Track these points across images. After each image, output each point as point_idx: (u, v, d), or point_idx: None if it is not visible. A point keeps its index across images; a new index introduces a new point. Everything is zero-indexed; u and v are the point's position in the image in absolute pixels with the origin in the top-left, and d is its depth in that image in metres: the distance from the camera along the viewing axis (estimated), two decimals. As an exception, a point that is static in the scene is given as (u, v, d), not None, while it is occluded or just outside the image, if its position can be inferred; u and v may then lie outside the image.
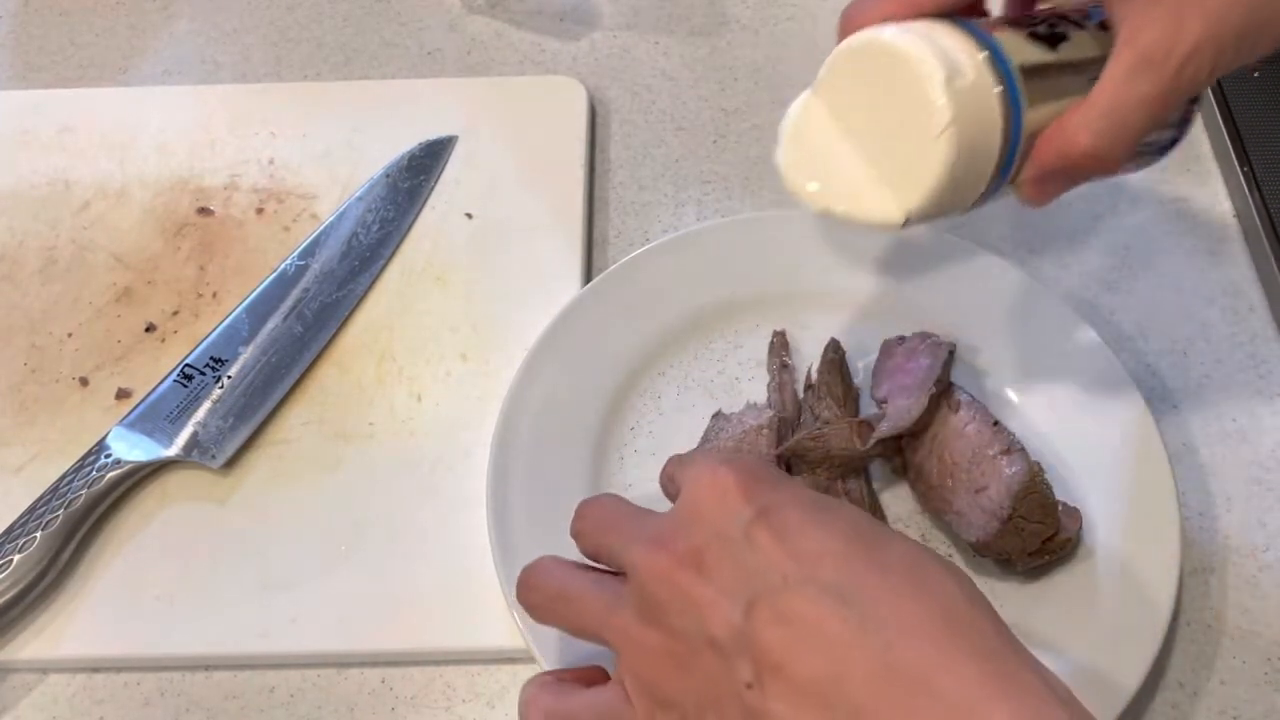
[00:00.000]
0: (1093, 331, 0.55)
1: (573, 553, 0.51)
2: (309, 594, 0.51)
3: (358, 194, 0.64)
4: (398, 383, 0.58)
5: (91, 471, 0.53)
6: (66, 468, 0.54)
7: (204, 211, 0.65)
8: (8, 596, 0.50)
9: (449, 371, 0.58)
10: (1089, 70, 0.42)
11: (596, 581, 0.41)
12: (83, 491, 0.52)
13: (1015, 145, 0.42)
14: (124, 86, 0.72)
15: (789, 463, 0.53)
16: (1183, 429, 0.56)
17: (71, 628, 0.51)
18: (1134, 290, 0.60)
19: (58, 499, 0.52)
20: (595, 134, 0.68)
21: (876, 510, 0.52)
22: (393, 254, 0.63)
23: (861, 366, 0.57)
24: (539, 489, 0.52)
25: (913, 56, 0.39)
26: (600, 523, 0.42)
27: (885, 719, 0.33)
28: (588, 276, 0.61)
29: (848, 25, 0.42)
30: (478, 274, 0.62)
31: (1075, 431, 0.53)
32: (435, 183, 0.65)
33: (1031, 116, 0.41)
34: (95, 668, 0.51)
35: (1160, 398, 0.57)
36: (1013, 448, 0.49)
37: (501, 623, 0.50)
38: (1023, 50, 0.41)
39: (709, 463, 0.40)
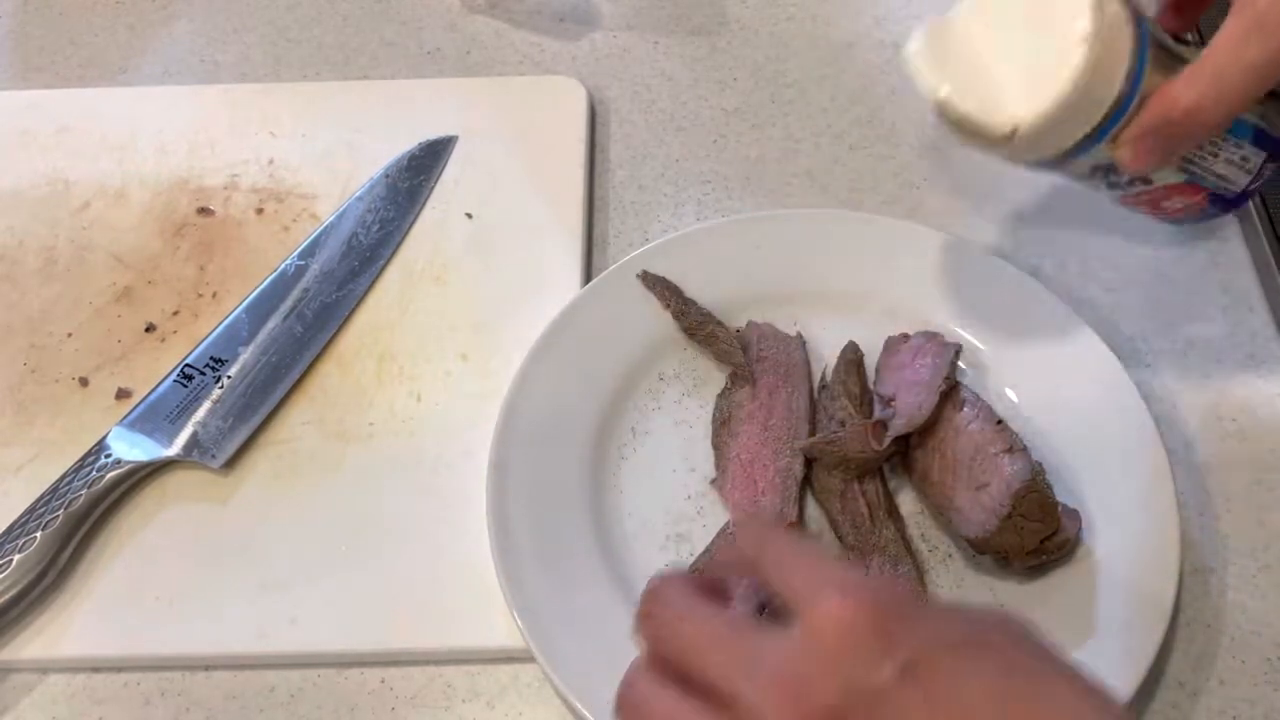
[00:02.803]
0: (1093, 331, 0.55)
1: (573, 554, 0.51)
2: (309, 594, 0.51)
3: (358, 194, 0.64)
4: (398, 383, 0.58)
5: (91, 471, 0.53)
6: (66, 468, 0.54)
7: (204, 211, 0.65)
8: (8, 596, 0.50)
9: (449, 371, 0.58)
10: None
11: (702, 714, 0.36)
12: (83, 491, 0.52)
13: (1131, 96, 0.45)
14: (124, 86, 0.72)
15: (808, 461, 0.53)
16: (1183, 429, 0.56)
17: (71, 628, 0.51)
18: (1134, 290, 0.60)
19: (58, 499, 0.52)
20: (595, 134, 0.68)
21: (893, 511, 0.52)
22: (393, 254, 0.63)
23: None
24: (539, 489, 0.52)
25: None
26: (694, 644, 0.37)
27: None
28: (588, 276, 0.61)
29: None
30: (478, 274, 0.62)
31: (1075, 431, 0.53)
32: (435, 183, 0.65)
33: (1148, 82, 0.45)
34: (95, 668, 0.51)
35: (1160, 398, 0.57)
36: (1015, 446, 0.49)
37: (501, 623, 0.50)
38: (1155, 28, 0.46)
39: (839, 591, 0.34)
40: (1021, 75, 0.44)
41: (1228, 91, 0.43)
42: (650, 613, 0.38)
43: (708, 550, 0.52)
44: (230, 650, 0.51)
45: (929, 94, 0.46)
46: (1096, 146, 0.46)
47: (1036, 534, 0.48)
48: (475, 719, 0.49)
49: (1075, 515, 0.50)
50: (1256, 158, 0.51)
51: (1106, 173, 0.50)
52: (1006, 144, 0.45)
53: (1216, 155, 0.50)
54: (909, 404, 0.52)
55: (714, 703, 0.36)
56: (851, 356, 0.56)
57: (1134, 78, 0.45)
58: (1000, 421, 0.51)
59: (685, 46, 0.72)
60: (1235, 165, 0.50)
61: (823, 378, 0.56)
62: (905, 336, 0.56)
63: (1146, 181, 0.50)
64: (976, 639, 0.35)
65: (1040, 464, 0.49)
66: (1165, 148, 0.46)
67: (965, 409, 0.51)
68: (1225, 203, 0.53)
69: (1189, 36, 0.50)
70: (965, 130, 0.46)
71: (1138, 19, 0.45)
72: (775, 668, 0.35)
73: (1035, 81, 0.44)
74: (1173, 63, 0.46)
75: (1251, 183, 0.52)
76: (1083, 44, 0.43)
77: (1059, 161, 0.48)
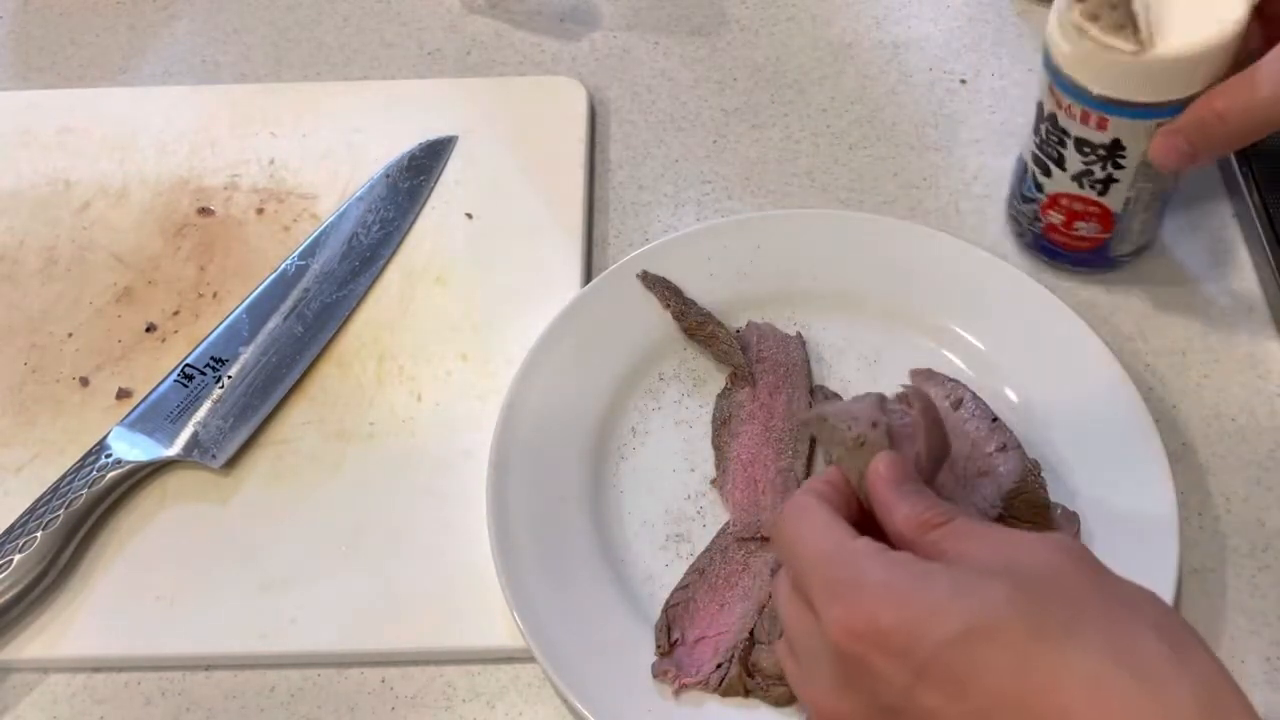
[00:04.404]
0: (1092, 331, 0.55)
1: (573, 554, 0.51)
2: (309, 594, 0.51)
3: (358, 194, 0.64)
4: (398, 383, 0.58)
5: (92, 471, 0.53)
6: (67, 468, 0.54)
7: (204, 211, 0.65)
8: (8, 596, 0.50)
9: (449, 371, 0.58)
10: None
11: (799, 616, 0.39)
12: (83, 491, 0.52)
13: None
14: (124, 86, 0.72)
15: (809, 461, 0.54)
16: (1183, 429, 0.56)
17: (72, 628, 0.51)
18: (1134, 290, 0.60)
19: (58, 499, 0.52)
20: (595, 134, 0.68)
21: None
22: (393, 254, 0.63)
23: (856, 359, 0.57)
24: (539, 489, 0.52)
25: None
26: (798, 552, 0.40)
27: None
28: (588, 276, 0.61)
29: None
30: (478, 274, 0.62)
31: (1074, 431, 0.53)
32: (435, 183, 0.65)
33: None
34: (95, 667, 0.51)
35: (1160, 398, 0.57)
36: (1008, 445, 0.49)
37: (501, 623, 0.50)
38: None
39: (844, 606, 0.37)
40: (1176, 11, 0.48)
41: (1260, 103, 0.47)
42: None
43: (708, 550, 0.52)
44: (230, 650, 0.51)
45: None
46: (1154, 121, 0.50)
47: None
48: (475, 719, 0.49)
49: (1074, 518, 0.50)
50: (1153, 225, 0.58)
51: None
52: (1131, 60, 0.48)
53: (1147, 209, 0.56)
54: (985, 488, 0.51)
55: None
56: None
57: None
58: (995, 419, 0.51)
59: (685, 46, 0.73)
60: (1144, 224, 0.57)
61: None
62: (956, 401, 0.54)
63: (1105, 188, 0.54)
64: (985, 620, 0.35)
65: (1036, 462, 0.49)
66: (1193, 147, 0.49)
67: (962, 408, 0.52)
68: (1105, 257, 0.59)
69: None
70: (1100, 26, 0.49)
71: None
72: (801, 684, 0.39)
73: (1184, 24, 0.48)
74: None
75: (1134, 249, 0.59)
76: (1238, 24, 0.48)
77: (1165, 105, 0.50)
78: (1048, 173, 0.56)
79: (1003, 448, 0.49)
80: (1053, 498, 0.50)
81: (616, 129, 0.69)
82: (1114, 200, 0.55)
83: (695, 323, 0.57)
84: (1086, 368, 0.55)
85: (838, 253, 0.59)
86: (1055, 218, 0.57)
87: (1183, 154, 0.50)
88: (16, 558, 0.50)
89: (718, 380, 0.57)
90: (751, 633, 0.48)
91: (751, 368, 0.56)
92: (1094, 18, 0.49)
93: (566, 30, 0.74)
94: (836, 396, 0.55)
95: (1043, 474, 0.51)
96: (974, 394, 0.53)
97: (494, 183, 0.65)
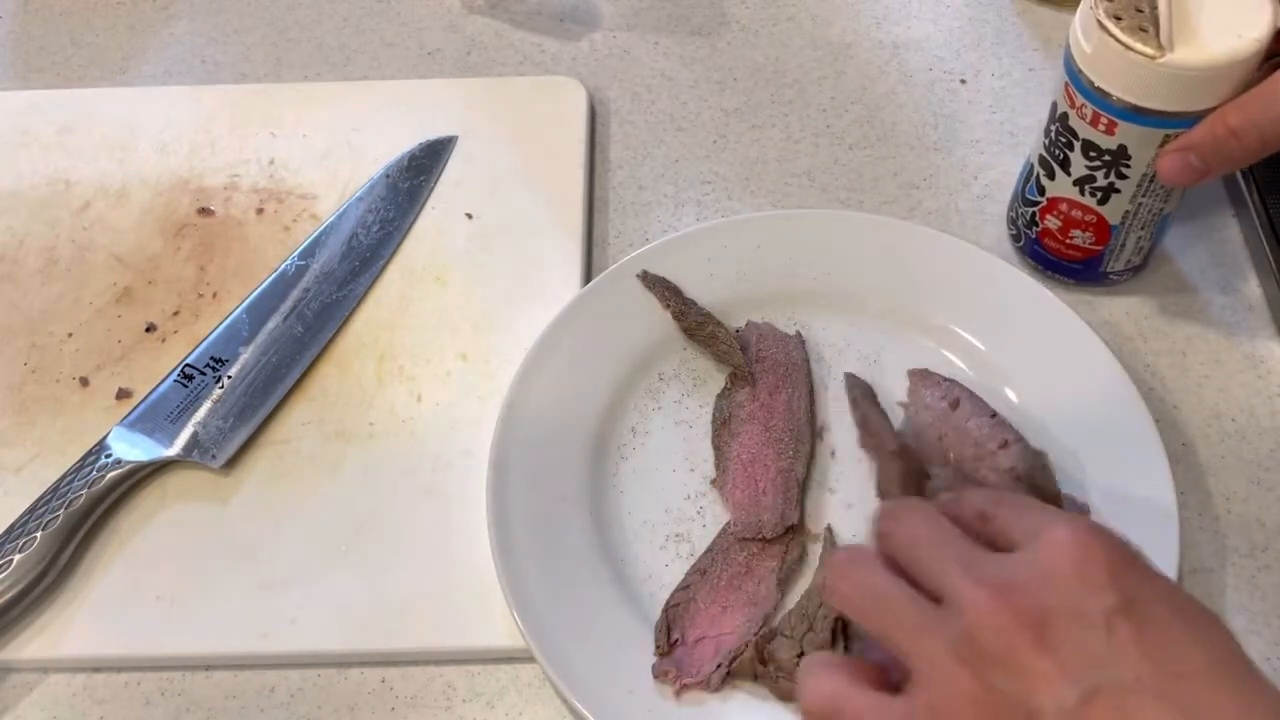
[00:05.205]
0: (1093, 331, 0.55)
1: (573, 554, 0.51)
2: (309, 594, 0.51)
3: (358, 194, 0.64)
4: (398, 383, 0.58)
5: (92, 471, 0.53)
6: (67, 468, 0.54)
7: (204, 212, 0.65)
8: (8, 596, 0.50)
9: (449, 371, 0.58)
10: None
11: (915, 598, 0.38)
12: (83, 491, 0.52)
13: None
14: (124, 86, 0.72)
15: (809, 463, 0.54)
16: (1183, 429, 0.56)
17: (72, 628, 0.51)
18: (1134, 290, 0.60)
19: (58, 499, 0.52)
20: (595, 134, 0.68)
21: None
22: (393, 254, 0.63)
23: (856, 359, 0.57)
24: (539, 489, 0.52)
25: None
26: (921, 536, 0.39)
27: None
28: (588, 276, 0.61)
29: None
30: (478, 274, 0.62)
31: (1074, 431, 0.53)
32: (435, 183, 0.65)
33: None
34: (95, 668, 0.51)
35: (1160, 398, 0.57)
36: (1009, 441, 0.49)
37: (501, 623, 0.50)
38: None
39: (1074, 525, 0.36)
40: (1200, 22, 0.49)
41: (1274, 122, 0.47)
42: (889, 512, 0.40)
43: (709, 551, 0.52)
44: (230, 650, 0.51)
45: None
46: (1163, 132, 0.50)
47: None
48: (475, 719, 0.49)
49: (1084, 508, 0.50)
50: (1147, 245, 0.58)
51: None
52: (1148, 64, 0.48)
53: (1144, 227, 0.56)
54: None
55: (921, 593, 0.37)
56: (861, 392, 0.56)
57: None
58: (995, 414, 0.51)
59: (685, 46, 0.73)
60: (1139, 242, 0.57)
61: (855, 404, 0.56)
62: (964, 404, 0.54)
63: (1105, 197, 0.54)
64: (1199, 613, 0.35)
65: (1043, 452, 0.49)
66: (1204, 162, 0.49)
67: (961, 408, 0.52)
68: (1096, 271, 0.59)
69: None
70: (1122, 27, 0.49)
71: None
72: (995, 573, 0.36)
73: (1204, 36, 0.48)
74: None
75: (1126, 268, 0.59)
76: (1258, 41, 0.48)
77: (1177, 116, 0.50)
78: (1051, 175, 0.56)
79: (1004, 444, 0.49)
80: (1056, 494, 0.51)
81: (616, 129, 0.69)
82: (1112, 212, 0.55)
83: (695, 323, 0.57)
84: (1086, 368, 0.55)
85: (838, 253, 0.59)
86: (1052, 223, 0.57)
87: (1193, 169, 0.50)
88: (16, 558, 0.50)
89: (718, 380, 0.57)
90: (763, 626, 0.49)
91: (751, 368, 0.56)
92: (1117, 18, 0.49)
93: (566, 30, 0.74)
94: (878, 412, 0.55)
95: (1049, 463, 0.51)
96: (971, 392, 0.53)
97: (494, 183, 0.65)
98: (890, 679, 0.39)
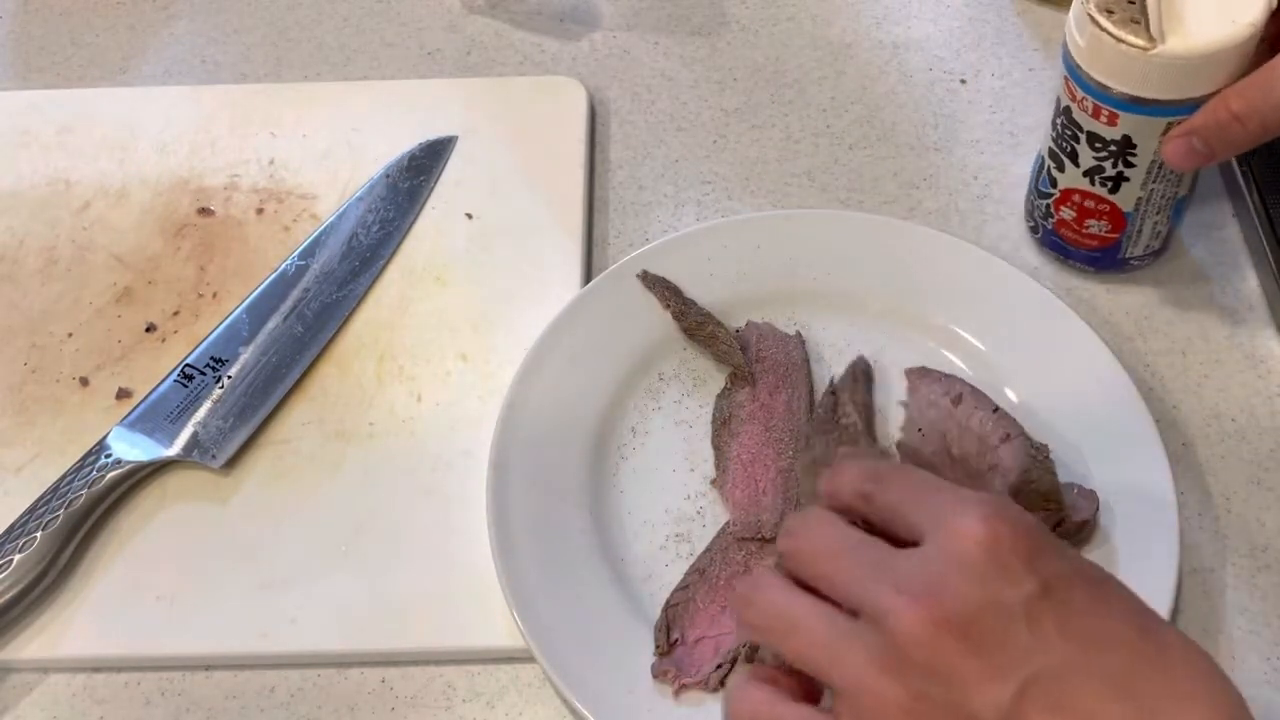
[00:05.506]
0: (1093, 331, 0.55)
1: (573, 554, 0.51)
2: (309, 594, 0.51)
3: (358, 194, 0.64)
4: (398, 383, 0.58)
5: (92, 471, 0.53)
6: (67, 468, 0.54)
7: (204, 212, 0.65)
8: (8, 596, 0.50)
9: (449, 371, 0.58)
10: None
11: (827, 615, 0.37)
12: (83, 491, 0.52)
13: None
14: (124, 86, 0.72)
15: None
16: (1182, 429, 0.56)
17: (72, 628, 0.51)
18: (1134, 290, 0.60)
19: (58, 499, 0.52)
20: (595, 134, 0.68)
21: None
22: (393, 254, 0.63)
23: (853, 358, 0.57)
24: (539, 489, 0.52)
25: None
26: (821, 550, 0.38)
27: None
28: (588, 276, 0.61)
29: None
30: (478, 274, 0.62)
31: (1074, 431, 0.53)
32: (435, 183, 0.65)
33: None
34: (95, 668, 0.51)
35: (1160, 398, 0.57)
36: (1010, 435, 0.49)
37: (501, 623, 0.50)
38: None
39: (981, 510, 0.36)
40: (1191, 10, 0.49)
41: (1276, 105, 0.47)
42: (789, 530, 0.39)
43: (708, 550, 0.52)
44: (230, 650, 0.51)
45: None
46: (1165, 120, 0.51)
47: (1045, 522, 0.48)
48: (475, 719, 0.49)
49: (1091, 496, 0.50)
50: (1164, 229, 0.58)
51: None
52: (1140, 55, 0.48)
53: (1159, 212, 0.56)
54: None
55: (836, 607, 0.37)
56: (862, 368, 0.56)
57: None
58: (997, 409, 0.51)
59: (685, 46, 0.73)
60: (1156, 226, 0.57)
61: (831, 382, 0.56)
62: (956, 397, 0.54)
63: (1116, 186, 0.54)
64: (1109, 583, 0.36)
65: (1043, 446, 0.49)
66: (1209, 147, 0.50)
67: (962, 404, 0.52)
68: (1115, 258, 0.59)
69: None
70: (1114, 20, 0.49)
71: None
72: (910, 574, 0.35)
73: (1197, 23, 0.48)
74: None
75: (1145, 252, 0.58)
76: (1252, 25, 0.48)
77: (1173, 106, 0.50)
78: (1061, 168, 0.56)
79: (1005, 438, 0.49)
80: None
81: (616, 129, 0.69)
82: (1125, 199, 0.55)
83: (695, 323, 0.57)
84: (1086, 368, 0.55)
85: (838, 253, 0.59)
86: (1067, 214, 0.57)
87: (1197, 154, 0.50)
88: (16, 558, 0.50)
89: (718, 380, 0.57)
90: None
91: (751, 368, 0.56)
92: (1108, 11, 0.49)
93: (566, 30, 0.74)
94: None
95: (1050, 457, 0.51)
96: (973, 388, 0.53)
97: (494, 183, 0.65)
98: (822, 690, 0.38)
